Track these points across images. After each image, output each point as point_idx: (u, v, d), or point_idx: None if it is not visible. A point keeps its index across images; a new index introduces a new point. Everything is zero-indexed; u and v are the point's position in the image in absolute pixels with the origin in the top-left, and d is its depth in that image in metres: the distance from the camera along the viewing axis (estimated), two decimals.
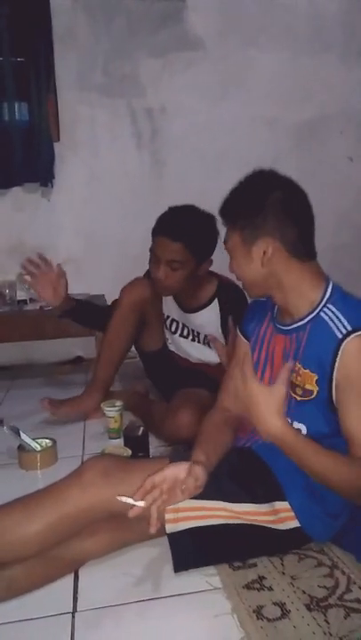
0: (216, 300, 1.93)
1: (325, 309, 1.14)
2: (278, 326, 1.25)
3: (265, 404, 1.05)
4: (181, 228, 1.79)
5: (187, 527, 1.15)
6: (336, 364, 1.09)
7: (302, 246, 1.17)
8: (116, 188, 2.88)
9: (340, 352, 1.08)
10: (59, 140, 2.75)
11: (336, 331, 1.10)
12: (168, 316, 2.07)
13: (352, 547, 1.23)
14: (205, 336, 1.95)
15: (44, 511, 1.12)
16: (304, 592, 1.11)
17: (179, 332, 2.04)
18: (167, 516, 1.14)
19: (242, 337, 1.38)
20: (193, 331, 2.00)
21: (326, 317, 1.13)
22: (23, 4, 2.55)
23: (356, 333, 1.08)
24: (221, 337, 1.88)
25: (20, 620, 1.07)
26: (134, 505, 1.07)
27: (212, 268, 1.92)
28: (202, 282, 1.93)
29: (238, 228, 1.17)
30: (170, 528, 1.14)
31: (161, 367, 2.16)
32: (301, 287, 1.17)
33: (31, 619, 1.07)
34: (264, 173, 1.21)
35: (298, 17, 2.90)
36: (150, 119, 2.88)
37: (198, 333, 1.98)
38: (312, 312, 1.15)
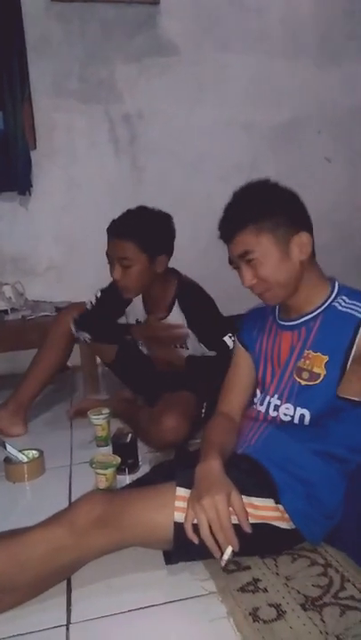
0: (177, 302, 1.94)
1: (339, 300, 1.20)
2: (283, 323, 1.28)
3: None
4: (125, 226, 1.85)
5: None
6: (356, 341, 1.13)
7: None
8: (96, 195, 2.87)
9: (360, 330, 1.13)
10: (35, 147, 2.73)
11: (356, 312, 1.16)
12: (137, 320, 2.08)
13: (346, 546, 1.23)
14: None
15: (35, 563, 1.06)
16: (299, 592, 1.11)
17: None
18: (177, 504, 1.12)
19: (240, 347, 1.40)
20: None
21: (340, 307, 1.18)
22: None
23: None
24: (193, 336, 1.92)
25: (13, 635, 1.05)
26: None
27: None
28: (164, 283, 1.94)
29: (268, 230, 1.18)
30: (179, 517, 1.12)
31: (131, 374, 2.16)
32: (317, 282, 1.23)
33: (25, 633, 1.05)
34: (257, 182, 1.25)
35: (271, 21, 2.93)
36: (128, 125, 2.88)
37: None
38: (324, 303, 1.21)
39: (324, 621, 1.03)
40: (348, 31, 3.03)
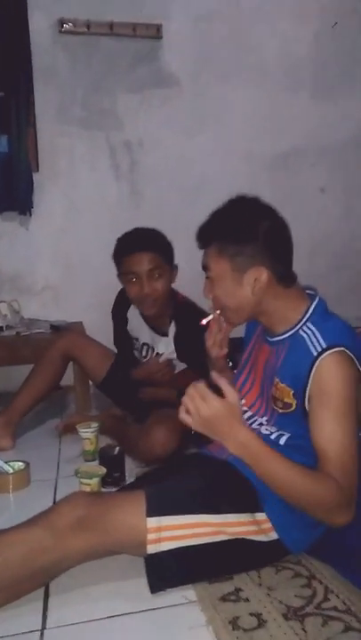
0: (173, 323, 1.96)
1: (305, 327, 1.16)
2: (265, 336, 1.28)
3: (227, 416, 1.06)
4: (147, 239, 1.89)
5: (169, 548, 1.11)
6: (310, 380, 1.11)
7: (287, 273, 1.20)
8: (95, 218, 2.92)
9: (314, 368, 1.11)
10: (38, 170, 2.80)
11: (312, 348, 1.12)
12: (137, 339, 2.10)
13: (330, 557, 1.21)
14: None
15: (13, 565, 1.04)
16: (281, 602, 1.09)
17: (150, 355, 2.06)
18: (149, 537, 1.10)
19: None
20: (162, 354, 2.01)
21: (305, 335, 1.15)
22: (4, 42, 2.64)
23: (331, 350, 1.10)
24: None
25: None
26: None
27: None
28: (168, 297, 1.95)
29: (228, 255, 1.17)
30: (151, 549, 1.11)
31: (120, 395, 2.16)
32: (285, 310, 1.20)
33: None
34: (248, 200, 1.22)
35: (269, 56, 3.04)
36: (128, 152, 2.96)
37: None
38: (292, 329, 1.19)
39: (305, 631, 1.00)
40: (342, 68, 3.14)
